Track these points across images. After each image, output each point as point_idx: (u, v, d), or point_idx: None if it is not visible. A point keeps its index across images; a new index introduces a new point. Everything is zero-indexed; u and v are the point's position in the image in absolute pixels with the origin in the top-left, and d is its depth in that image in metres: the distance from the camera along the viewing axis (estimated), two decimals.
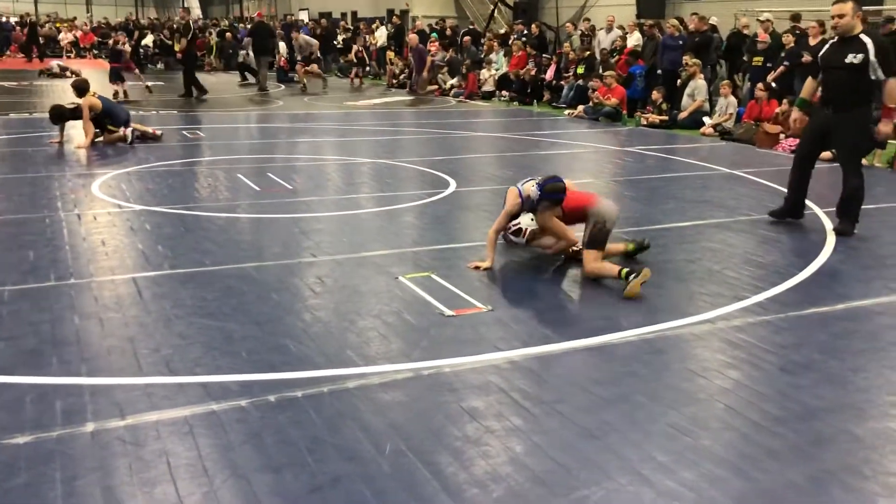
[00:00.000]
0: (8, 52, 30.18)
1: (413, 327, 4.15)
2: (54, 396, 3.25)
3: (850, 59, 6.09)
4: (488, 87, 18.26)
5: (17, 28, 31.76)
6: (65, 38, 30.87)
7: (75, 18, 35.88)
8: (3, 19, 32.61)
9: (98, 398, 3.24)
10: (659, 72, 14.62)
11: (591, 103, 14.48)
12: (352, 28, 27.30)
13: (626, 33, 16.91)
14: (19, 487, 2.61)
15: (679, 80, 13.97)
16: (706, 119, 12.96)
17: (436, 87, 19.33)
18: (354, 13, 32.29)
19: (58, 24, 34.34)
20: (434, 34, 21.76)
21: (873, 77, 6.08)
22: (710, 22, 14.99)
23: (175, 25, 30.60)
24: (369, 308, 4.41)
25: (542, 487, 2.68)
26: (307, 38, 19.80)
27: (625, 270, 4.73)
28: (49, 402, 3.20)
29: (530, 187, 5.10)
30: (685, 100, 13.46)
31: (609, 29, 17.48)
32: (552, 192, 5.07)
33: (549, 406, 3.27)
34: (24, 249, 5.41)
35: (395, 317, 4.29)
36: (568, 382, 3.52)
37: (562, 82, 16.75)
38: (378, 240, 6.00)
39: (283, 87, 20.05)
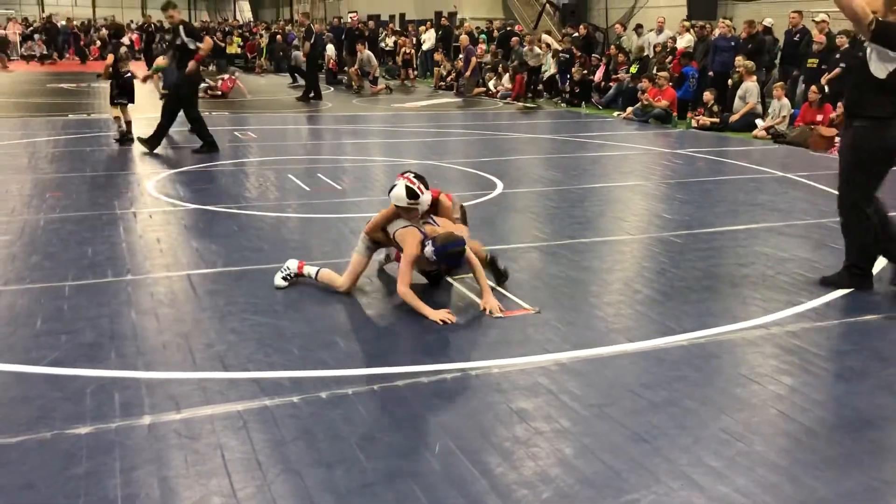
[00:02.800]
0: (66, 56, 31.02)
1: (461, 327, 4.16)
2: (113, 389, 3.34)
3: None
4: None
5: (77, 32, 32.65)
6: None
7: (132, 21, 36.73)
8: (62, 24, 33.53)
9: (154, 391, 3.32)
10: (710, 73, 14.41)
11: (640, 105, 14.35)
12: (400, 30, 27.46)
13: (677, 34, 16.71)
14: (81, 476, 2.69)
15: (730, 82, 13.75)
16: (759, 121, 12.74)
17: (483, 88, 19.33)
18: (402, 15, 32.47)
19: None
20: (483, 35, 21.77)
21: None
22: (763, 23, 14.72)
23: (227, 28, 31.15)
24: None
25: (591, 489, 2.67)
26: (371, 55, 20.02)
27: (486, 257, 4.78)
28: (108, 394, 3.29)
29: (429, 247, 4.34)
30: (736, 102, 13.25)
31: (659, 30, 17.29)
32: (449, 258, 4.36)
33: (598, 409, 3.26)
34: (83, 246, 5.56)
35: None
36: (617, 386, 3.50)
37: (610, 84, 16.62)
38: None
39: (331, 88, 20.26)
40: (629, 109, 14.60)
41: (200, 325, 4.13)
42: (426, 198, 4.45)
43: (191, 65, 9.81)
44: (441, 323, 4.12)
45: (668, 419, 3.17)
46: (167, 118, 9.94)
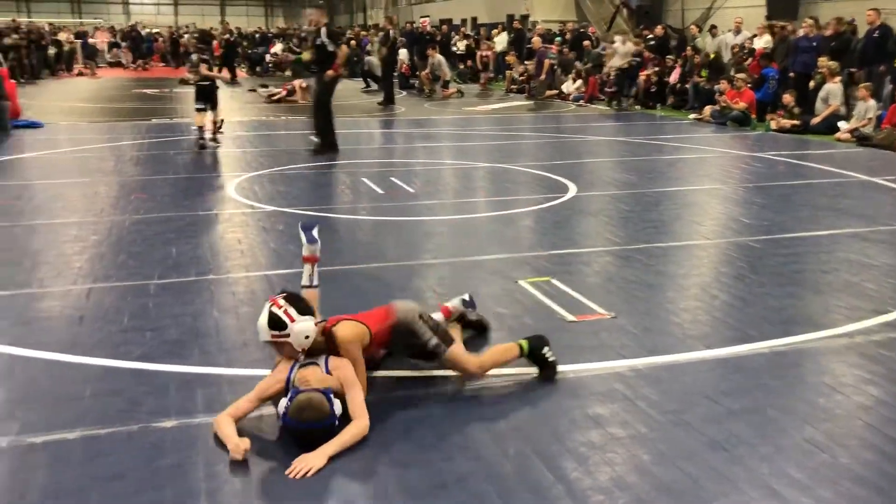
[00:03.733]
0: (150, 62, 32.16)
1: (534, 331, 4.13)
2: (196, 385, 3.46)
3: None
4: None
5: (159, 39, 33.82)
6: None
7: (212, 28, 37.85)
8: (146, 31, 34.78)
9: (235, 388, 3.41)
10: (791, 74, 13.99)
11: (718, 107, 14.03)
12: (472, 34, 27.53)
13: (755, 35, 16.28)
14: (166, 468, 2.79)
15: (812, 83, 13.32)
16: (842, 124, 12.30)
17: (555, 91, 19.22)
18: (475, 19, 32.54)
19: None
20: (558, 38, 21.64)
21: None
22: (847, 21, 14.21)
23: (303, 34, 31.74)
24: (489, 311, 4.44)
25: (668, 497, 2.63)
26: (442, 59, 20.18)
27: (525, 345, 3.60)
28: (191, 390, 3.40)
29: (282, 407, 2.98)
30: (818, 104, 12.82)
31: (737, 31, 16.88)
32: (295, 423, 2.93)
33: (676, 415, 3.21)
34: (167, 246, 5.76)
35: (516, 320, 4.31)
36: (694, 392, 3.43)
37: (686, 85, 16.30)
38: (497, 243, 6.03)
39: (404, 93, 20.44)
40: (706, 111, 14.29)
41: None
42: (301, 327, 3.09)
43: (328, 74, 10.20)
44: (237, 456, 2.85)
45: (748, 427, 3.10)
46: (324, 118, 10.30)
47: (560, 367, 3.65)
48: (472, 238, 6.26)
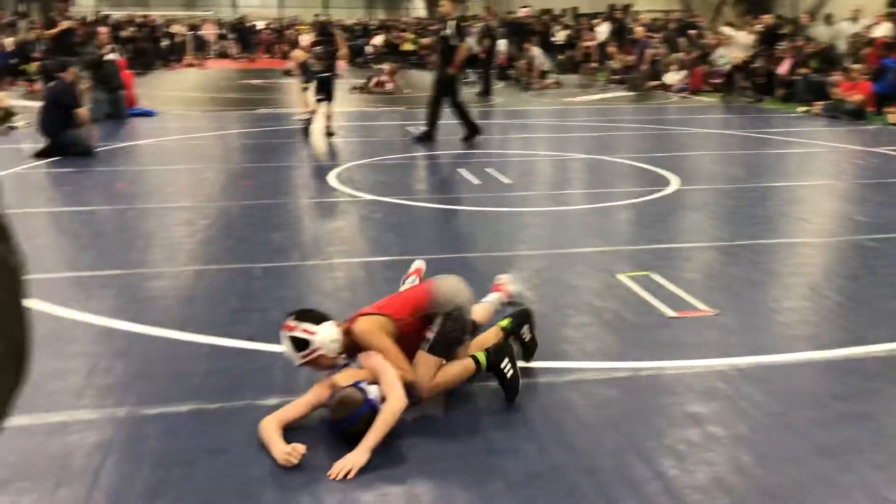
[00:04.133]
0: (257, 54, 33.18)
1: (632, 326, 4.08)
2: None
3: None
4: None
5: (264, 32, 34.84)
6: (304, 39, 33.39)
7: (328, 20, 38.65)
8: (250, 24, 35.87)
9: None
10: None
11: (830, 99, 13.40)
12: (572, 24, 27.17)
13: (875, 23, 15.44)
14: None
15: None
16: None
17: (657, 82, 18.77)
18: (575, 9, 32.09)
19: (298, 28, 37.22)
20: (660, 30, 21.13)
21: None
22: None
23: (402, 26, 32.09)
24: (586, 304, 4.40)
25: (771, 501, 2.55)
26: (540, 50, 20.07)
27: (482, 358, 3.22)
28: (294, 370, 3.49)
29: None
30: None
31: (854, 20, 16.05)
32: (337, 425, 2.93)
33: (780, 417, 3.10)
34: (271, 232, 5.95)
35: (613, 314, 4.25)
36: (802, 395, 3.30)
37: (796, 77, 15.62)
38: (594, 236, 5.96)
39: (501, 83, 20.39)
40: (817, 105, 13.67)
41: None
42: (324, 334, 3.05)
43: (450, 70, 10.39)
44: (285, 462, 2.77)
45: (861, 433, 2.96)
46: (434, 110, 10.52)
47: (658, 364, 3.58)
48: (569, 230, 6.20)
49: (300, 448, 2.76)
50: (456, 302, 3.21)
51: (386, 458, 2.79)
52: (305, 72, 11.56)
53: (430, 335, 3.13)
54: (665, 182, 7.86)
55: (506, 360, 3.19)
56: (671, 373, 3.51)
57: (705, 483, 2.65)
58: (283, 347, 3.09)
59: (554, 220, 6.55)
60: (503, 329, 3.54)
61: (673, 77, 18.62)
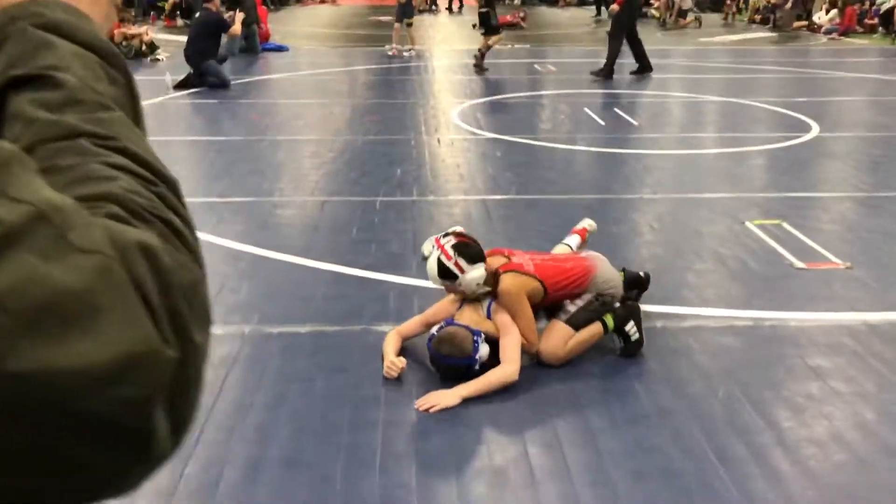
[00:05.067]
0: None
1: (757, 275, 3.92)
2: (412, 295, 3.65)
3: None
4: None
5: None
6: None
7: None
8: None
9: None
10: None
11: None
12: None
13: None
14: (381, 369, 2.99)
15: None
16: None
17: (804, 22, 17.54)
18: None
19: None
20: None
21: None
22: None
23: None
24: (710, 250, 4.25)
25: (891, 460, 2.43)
26: None
27: (609, 318, 3.11)
28: (409, 300, 3.60)
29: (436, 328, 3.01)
30: None
31: None
32: (434, 353, 2.93)
33: None
34: (393, 167, 6.05)
35: (738, 262, 4.09)
36: None
37: None
38: (724, 182, 5.72)
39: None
40: None
41: (491, 247, 4.32)
42: (472, 276, 2.95)
43: (612, 7, 10.74)
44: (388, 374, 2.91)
45: None
46: (615, 46, 10.56)
47: (782, 314, 3.44)
48: (698, 175, 5.98)
49: (399, 362, 2.89)
50: (610, 291, 3.18)
51: (491, 395, 2.83)
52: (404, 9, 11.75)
53: (572, 308, 3.08)
54: (805, 128, 7.41)
55: (631, 324, 3.10)
56: (795, 325, 3.37)
57: (822, 437, 2.55)
58: (430, 263, 3.01)
59: (682, 163, 6.32)
60: (606, 328, 3.15)
61: (822, 17, 17.34)
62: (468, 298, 3.07)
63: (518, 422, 2.66)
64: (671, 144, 6.97)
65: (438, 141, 6.99)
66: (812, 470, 2.39)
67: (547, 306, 3.15)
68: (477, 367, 2.85)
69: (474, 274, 2.95)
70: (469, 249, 2.99)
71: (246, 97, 9.12)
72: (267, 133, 7.32)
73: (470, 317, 3.00)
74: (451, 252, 2.96)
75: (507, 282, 2.97)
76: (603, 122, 7.80)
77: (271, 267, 3.99)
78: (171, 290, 0.44)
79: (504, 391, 2.82)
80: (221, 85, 9.43)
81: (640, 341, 3.10)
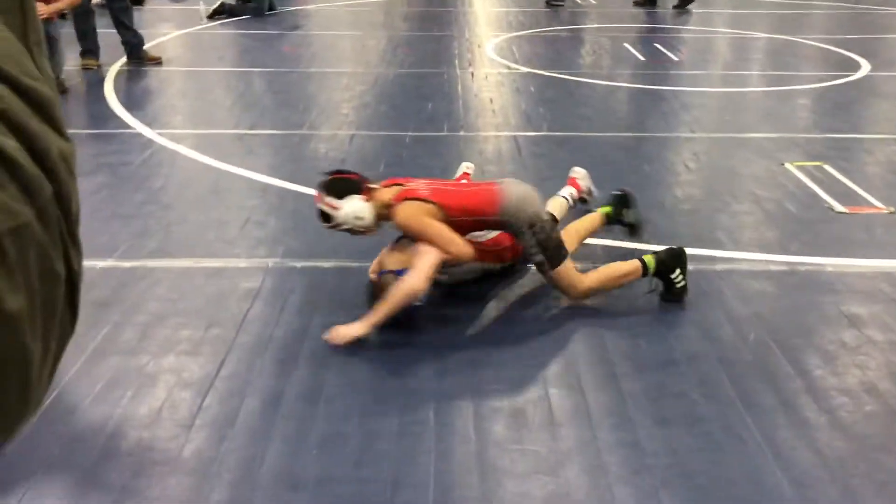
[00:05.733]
0: None
1: (795, 219, 3.80)
2: None
3: None
4: None
5: None
6: None
7: None
8: None
9: None
10: None
11: None
12: None
13: None
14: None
15: None
16: None
17: None
18: None
19: None
20: None
21: None
22: None
23: None
24: (747, 192, 4.12)
25: None
26: None
27: (651, 260, 2.98)
28: None
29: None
30: None
31: None
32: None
33: None
34: (423, 101, 5.93)
35: (775, 205, 3.96)
36: None
37: None
38: (765, 121, 5.52)
39: None
40: None
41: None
42: (346, 211, 2.79)
43: None
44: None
45: None
46: None
47: (818, 260, 3.33)
48: (738, 113, 5.78)
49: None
50: (529, 211, 2.82)
51: (515, 335, 2.80)
52: None
53: (538, 258, 2.83)
54: (854, 66, 7.10)
55: (678, 272, 2.95)
56: (831, 270, 3.26)
57: (854, 386, 2.47)
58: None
59: (722, 102, 6.11)
60: (606, 215, 3.35)
61: None
62: (374, 235, 2.91)
63: (540, 363, 2.62)
64: (712, 82, 6.74)
65: (472, 75, 6.83)
66: (841, 420, 2.32)
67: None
68: (420, 302, 2.69)
69: (348, 209, 2.78)
70: (335, 184, 2.83)
71: (278, 28, 8.98)
72: (299, 65, 7.21)
73: (398, 258, 2.83)
74: (319, 193, 2.84)
75: (401, 214, 2.75)
76: (642, 58, 7.55)
77: (298, 200, 3.95)
78: None
79: (528, 333, 2.77)
80: (256, 13, 9.31)
81: (683, 290, 2.97)
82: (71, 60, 6.55)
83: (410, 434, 2.25)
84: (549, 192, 4.08)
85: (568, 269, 2.87)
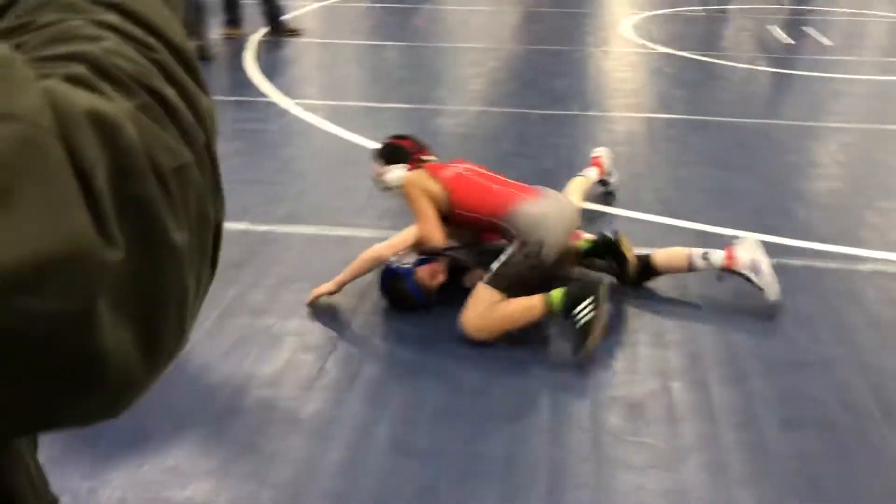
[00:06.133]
0: None
1: None
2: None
3: None
4: None
5: None
6: None
7: None
8: None
9: (591, 222, 3.43)
10: None
11: None
12: None
13: None
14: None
15: None
16: None
17: None
18: None
19: None
20: None
21: None
22: None
23: None
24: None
25: None
26: None
27: (558, 297, 2.47)
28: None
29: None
30: None
31: None
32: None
33: None
34: (554, 79, 5.83)
35: None
36: None
37: None
38: None
39: None
40: None
41: (652, 168, 4.11)
42: (389, 177, 2.87)
43: None
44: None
45: None
46: None
47: None
48: (893, 104, 5.37)
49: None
50: (537, 235, 2.53)
51: (633, 327, 2.72)
52: None
53: (496, 265, 2.56)
54: None
55: (584, 305, 2.40)
56: None
57: None
58: None
59: (876, 90, 5.69)
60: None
61: None
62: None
63: (661, 356, 2.53)
64: (866, 69, 6.29)
65: (606, 53, 6.67)
66: None
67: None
68: (408, 275, 2.70)
69: (391, 176, 2.84)
70: (386, 150, 2.90)
71: (412, 2, 9.06)
72: (431, 39, 7.25)
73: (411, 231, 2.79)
74: (373, 155, 2.95)
75: (406, 179, 2.76)
76: (790, 41, 7.14)
77: None
78: (133, 173, 0.34)
79: (647, 326, 2.69)
80: None
81: (587, 328, 2.38)
82: (216, 29, 6.84)
83: (525, 416, 2.22)
84: (681, 177, 3.94)
85: (488, 298, 2.52)
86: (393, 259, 2.74)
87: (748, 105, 5.33)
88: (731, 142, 4.48)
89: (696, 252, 2.78)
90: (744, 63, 6.35)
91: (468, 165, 2.87)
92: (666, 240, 3.22)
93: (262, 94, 5.33)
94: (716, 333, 2.64)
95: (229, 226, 3.32)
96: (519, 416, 2.22)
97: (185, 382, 2.33)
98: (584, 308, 2.40)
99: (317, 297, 2.75)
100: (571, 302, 2.43)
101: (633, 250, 2.80)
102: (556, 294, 2.47)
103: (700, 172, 4.04)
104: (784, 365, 2.47)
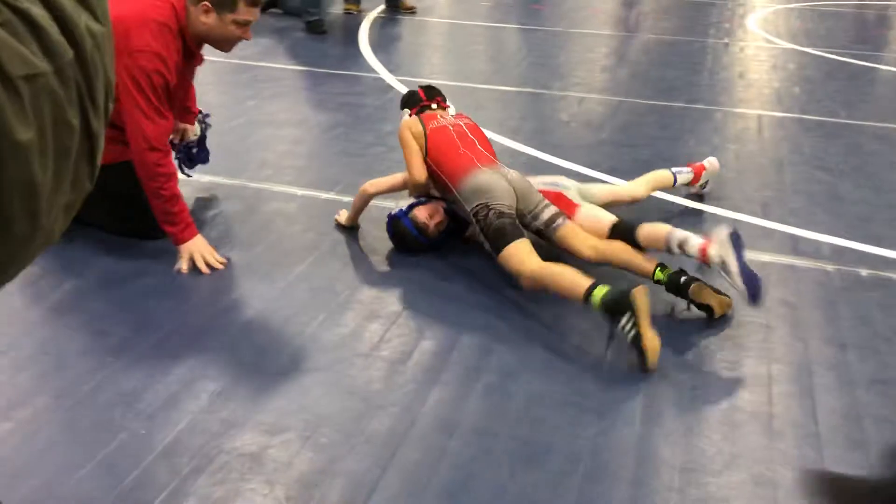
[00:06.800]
0: None
1: None
2: (648, 207, 3.44)
3: None
4: None
5: None
6: None
7: None
8: None
9: (680, 220, 3.32)
10: None
11: None
12: None
13: None
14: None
15: None
16: None
17: None
18: None
19: None
20: None
21: None
22: None
23: None
24: None
25: None
26: None
27: (598, 299, 2.36)
28: (647, 212, 3.40)
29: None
30: None
31: None
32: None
33: None
34: (666, 69, 5.67)
35: None
36: None
37: None
38: None
39: None
40: None
41: (756, 167, 3.93)
42: (402, 120, 3.08)
43: None
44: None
45: None
46: None
47: None
48: None
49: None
50: (478, 200, 2.70)
51: (685, 328, 2.63)
52: None
53: (486, 245, 2.71)
54: None
55: (625, 319, 2.31)
56: None
57: None
58: None
59: None
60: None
61: None
62: None
63: (722, 360, 2.44)
64: None
65: (726, 46, 6.41)
66: None
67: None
68: (405, 216, 2.93)
69: (403, 118, 3.09)
70: (405, 96, 3.22)
71: None
72: (545, 23, 7.18)
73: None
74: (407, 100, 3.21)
75: (402, 123, 3.00)
76: None
77: (514, 157, 3.96)
78: None
79: (705, 327, 2.60)
80: None
81: (636, 342, 2.30)
82: (338, 5, 7.01)
83: (573, 405, 2.20)
84: (784, 179, 3.76)
85: (510, 255, 2.61)
86: (394, 206, 3.02)
87: (870, 107, 5.00)
88: (845, 145, 4.23)
89: (675, 237, 2.61)
90: (876, 62, 5.96)
91: (464, 121, 3.02)
92: (755, 242, 3.09)
93: (370, 70, 5.43)
94: (784, 342, 2.51)
95: (317, 195, 3.43)
96: (567, 405, 2.20)
97: (251, 339, 2.44)
98: (626, 324, 2.32)
99: (338, 224, 3.14)
100: (609, 311, 2.36)
101: (716, 296, 2.57)
102: (598, 294, 2.38)
103: (806, 175, 3.84)
104: (860, 380, 2.32)
